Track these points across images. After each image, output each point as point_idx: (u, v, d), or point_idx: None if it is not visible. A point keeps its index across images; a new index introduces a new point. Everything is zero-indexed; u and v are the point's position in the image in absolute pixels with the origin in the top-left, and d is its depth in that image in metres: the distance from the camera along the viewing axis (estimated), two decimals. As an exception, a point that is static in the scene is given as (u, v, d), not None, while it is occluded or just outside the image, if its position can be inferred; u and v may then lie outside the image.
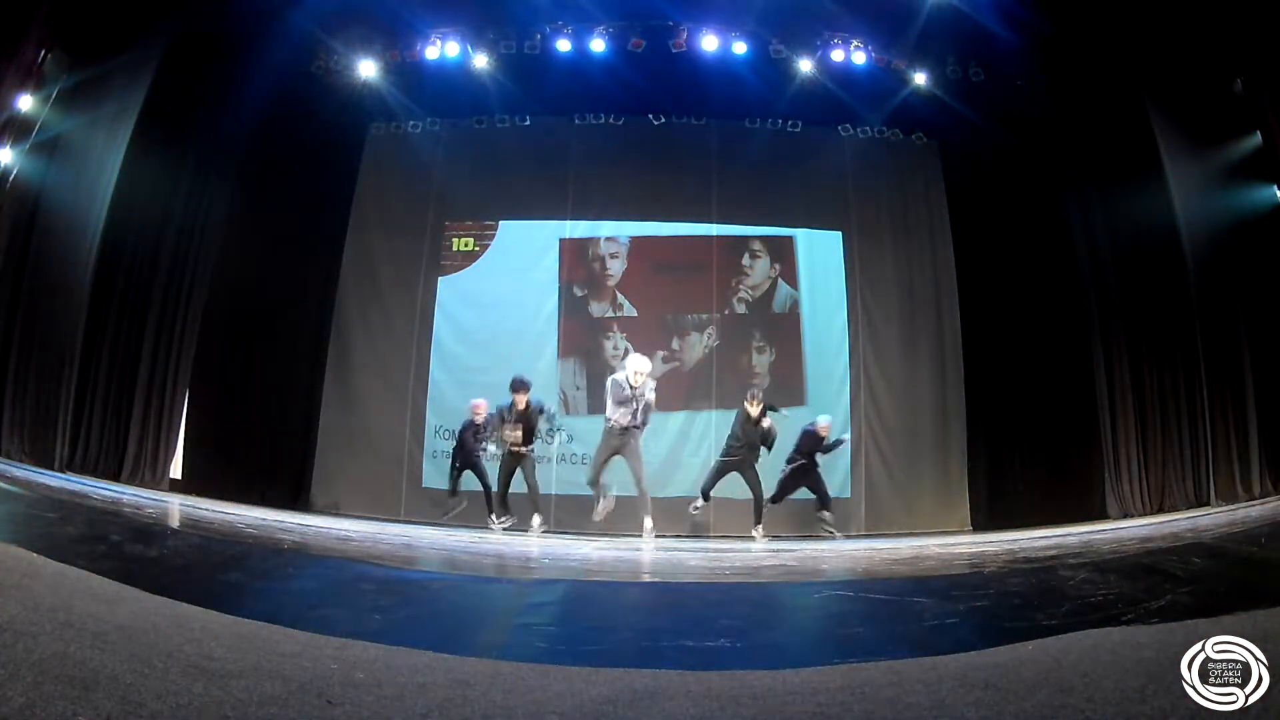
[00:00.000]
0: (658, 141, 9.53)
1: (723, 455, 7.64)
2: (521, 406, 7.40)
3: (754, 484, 7.48)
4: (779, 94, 8.94)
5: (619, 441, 6.98)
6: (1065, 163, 8.23)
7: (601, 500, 7.06)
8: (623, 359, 8.04)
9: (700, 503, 7.63)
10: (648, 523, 6.95)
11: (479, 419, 7.95)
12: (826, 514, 7.77)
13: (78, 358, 7.18)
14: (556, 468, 8.85)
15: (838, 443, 8.03)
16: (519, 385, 7.43)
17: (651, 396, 7.06)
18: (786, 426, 7.71)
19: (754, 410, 7.40)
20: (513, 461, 7.49)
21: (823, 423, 7.96)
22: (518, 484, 7.54)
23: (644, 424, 7.05)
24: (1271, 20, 6.49)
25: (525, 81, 8.86)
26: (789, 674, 2.08)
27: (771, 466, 7.70)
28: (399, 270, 9.48)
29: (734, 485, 7.58)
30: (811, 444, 7.80)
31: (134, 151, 7.33)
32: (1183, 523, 6.23)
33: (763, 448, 7.45)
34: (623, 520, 7.32)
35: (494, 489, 7.68)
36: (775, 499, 7.74)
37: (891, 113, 9.08)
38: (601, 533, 7.29)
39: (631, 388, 6.91)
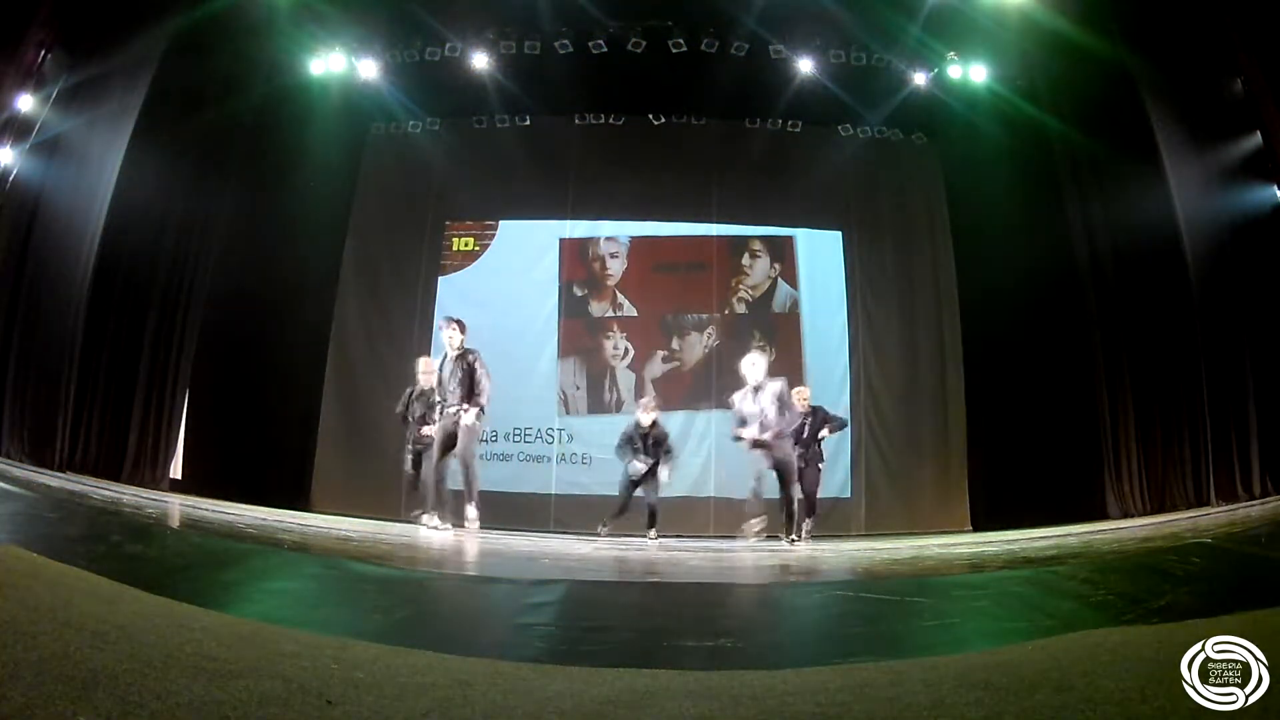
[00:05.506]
0: (658, 141, 9.54)
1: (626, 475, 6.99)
2: (456, 348, 6.21)
3: (653, 490, 6.95)
4: (779, 94, 8.94)
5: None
6: (1065, 162, 8.24)
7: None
8: (622, 358, 7.85)
9: (605, 529, 6.96)
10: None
11: (427, 383, 6.92)
12: (804, 525, 6.77)
13: (78, 358, 7.16)
14: (556, 468, 8.85)
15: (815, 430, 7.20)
16: (452, 320, 6.37)
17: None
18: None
19: (646, 418, 6.92)
20: (450, 431, 6.19)
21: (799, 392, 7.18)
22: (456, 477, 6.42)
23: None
24: (1271, 20, 6.49)
25: (525, 81, 8.87)
26: (789, 674, 2.08)
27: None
28: (399, 270, 9.48)
29: (734, 484, 7.50)
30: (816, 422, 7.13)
31: (134, 151, 7.31)
32: (1183, 523, 6.23)
33: (662, 466, 6.87)
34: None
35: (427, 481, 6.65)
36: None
37: (891, 113, 9.07)
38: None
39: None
